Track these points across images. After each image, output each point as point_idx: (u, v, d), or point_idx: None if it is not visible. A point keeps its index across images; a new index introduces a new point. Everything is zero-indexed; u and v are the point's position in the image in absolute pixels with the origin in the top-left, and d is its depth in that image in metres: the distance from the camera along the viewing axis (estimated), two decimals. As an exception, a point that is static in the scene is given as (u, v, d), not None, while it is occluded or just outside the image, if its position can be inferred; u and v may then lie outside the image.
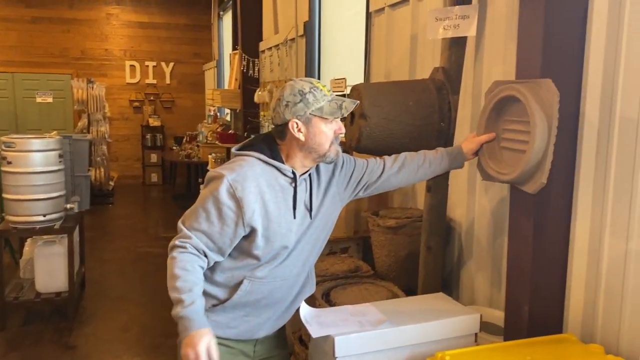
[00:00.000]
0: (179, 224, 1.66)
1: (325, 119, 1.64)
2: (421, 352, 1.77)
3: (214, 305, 1.72)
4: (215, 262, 1.69)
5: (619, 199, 1.69)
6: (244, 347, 1.80)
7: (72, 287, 4.08)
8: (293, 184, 1.69)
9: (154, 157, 10.51)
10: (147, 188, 10.35)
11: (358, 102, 1.72)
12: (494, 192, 2.29)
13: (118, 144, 10.37)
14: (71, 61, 9.98)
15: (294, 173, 1.69)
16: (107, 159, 8.84)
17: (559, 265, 1.86)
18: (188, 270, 1.58)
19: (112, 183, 9.07)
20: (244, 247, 1.67)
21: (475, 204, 2.42)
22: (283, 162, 1.69)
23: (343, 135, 1.83)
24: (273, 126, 1.73)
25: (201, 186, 1.78)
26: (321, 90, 1.65)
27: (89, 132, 8.23)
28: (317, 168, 1.78)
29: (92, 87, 8.43)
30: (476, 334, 1.88)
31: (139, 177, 10.58)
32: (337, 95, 1.73)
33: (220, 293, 1.71)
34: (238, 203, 1.60)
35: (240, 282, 1.69)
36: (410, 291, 2.47)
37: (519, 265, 1.88)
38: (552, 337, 1.74)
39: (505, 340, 1.93)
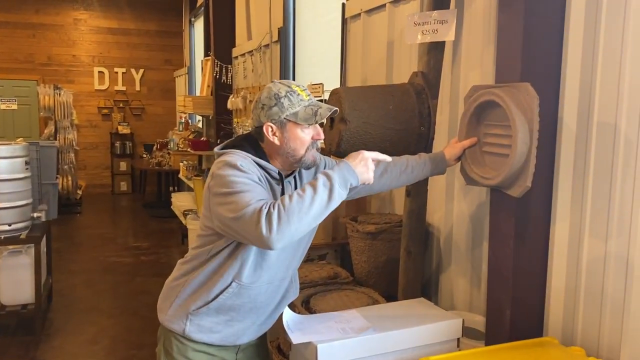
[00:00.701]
0: (236, 215, 1.44)
1: (300, 124, 1.62)
2: (405, 358, 1.76)
3: (199, 308, 1.68)
4: (203, 264, 1.67)
5: (597, 201, 1.70)
6: (226, 354, 1.76)
7: (38, 299, 3.95)
8: (280, 185, 1.67)
9: (123, 165, 10.30)
10: (116, 197, 10.13)
11: (335, 109, 1.67)
12: (473, 197, 2.30)
13: (86, 152, 10.12)
14: (37, 67, 9.73)
15: (280, 174, 1.67)
16: (74, 167, 8.63)
17: (540, 268, 1.87)
18: (295, 192, 1.47)
19: (80, 192, 8.85)
20: (235, 248, 1.64)
21: (453, 209, 2.42)
22: (269, 162, 1.66)
23: (322, 141, 1.80)
24: (254, 127, 1.70)
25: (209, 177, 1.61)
26: (299, 94, 1.62)
27: (56, 140, 8.02)
28: (300, 171, 1.76)
29: (59, 94, 8.24)
30: (459, 338, 1.88)
31: (107, 186, 10.35)
32: (316, 100, 1.70)
33: (207, 295, 1.67)
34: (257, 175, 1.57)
35: (228, 285, 1.65)
36: (390, 297, 2.45)
37: (499, 269, 1.88)
38: (534, 340, 1.74)
39: (486, 344, 1.92)
